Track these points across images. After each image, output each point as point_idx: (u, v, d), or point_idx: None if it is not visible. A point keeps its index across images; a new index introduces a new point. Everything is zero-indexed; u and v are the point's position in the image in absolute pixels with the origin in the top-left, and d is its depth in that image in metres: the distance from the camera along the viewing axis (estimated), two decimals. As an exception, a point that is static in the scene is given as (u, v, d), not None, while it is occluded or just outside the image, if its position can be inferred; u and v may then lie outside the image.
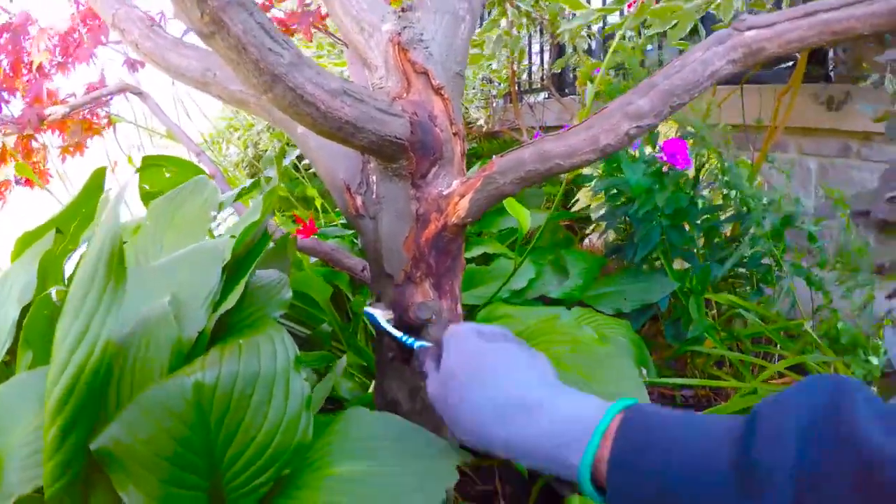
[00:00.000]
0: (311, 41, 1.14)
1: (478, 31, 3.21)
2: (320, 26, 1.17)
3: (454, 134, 0.90)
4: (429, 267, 0.91)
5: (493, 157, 0.85)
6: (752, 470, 0.43)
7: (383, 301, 0.97)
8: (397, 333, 0.85)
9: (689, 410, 0.55)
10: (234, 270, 0.92)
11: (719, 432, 0.48)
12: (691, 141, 1.84)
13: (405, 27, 0.90)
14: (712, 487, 0.45)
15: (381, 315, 0.84)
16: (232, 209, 1.54)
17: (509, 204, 1.44)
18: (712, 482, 0.45)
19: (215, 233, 1.57)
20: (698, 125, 1.82)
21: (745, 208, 1.78)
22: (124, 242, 1.29)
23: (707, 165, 1.93)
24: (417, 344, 0.81)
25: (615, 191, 1.85)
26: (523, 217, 1.40)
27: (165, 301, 0.84)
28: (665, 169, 1.74)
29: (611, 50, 1.75)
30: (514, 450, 0.60)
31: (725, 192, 1.82)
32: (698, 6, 2.03)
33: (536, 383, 0.64)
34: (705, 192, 1.91)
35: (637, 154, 1.78)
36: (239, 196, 1.22)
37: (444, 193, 0.87)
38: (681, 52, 2.60)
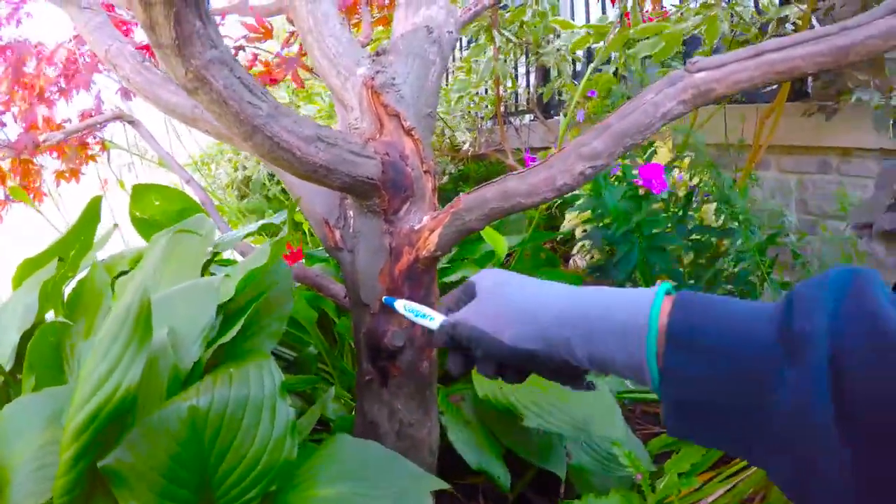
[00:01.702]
0: (304, 86, 1.19)
1: (465, 54, 3.28)
2: (306, 71, 1.22)
3: (425, 171, 0.95)
4: (402, 297, 0.95)
5: (461, 193, 0.90)
6: (793, 337, 0.49)
7: (361, 327, 1.02)
8: (416, 317, 0.87)
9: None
10: (235, 310, 0.99)
11: (761, 311, 0.54)
12: (685, 161, 1.89)
13: (378, 71, 0.96)
14: (762, 354, 0.51)
15: (400, 303, 0.88)
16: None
17: (486, 231, 1.49)
18: (761, 350, 0.51)
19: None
20: (695, 144, 1.87)
21: (735, 223, 1.83)
22: (125, 273, 1.35)
23: (700, 184, 1.98)
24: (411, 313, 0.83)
25: (598, 211, 1.90)
26: (499, 243, 1.46)
27: (164, 333, 0.90)
28: (642, 192, 1.79)
29: (584, 77, 1.81)
30: (572, 324, 0.62)
31: (717, 207, 1.87)
32: (684, 28, 2.09)
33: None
34: (696, 210, 1.96)
35: (620, 174, 1.83)
36: (245, 237, 1.27)
37: (416, 228, 0.93)
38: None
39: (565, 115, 1.70)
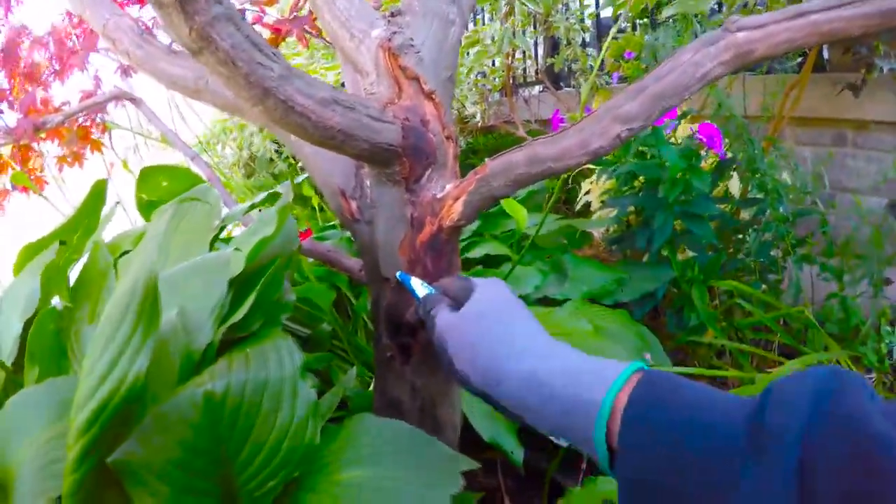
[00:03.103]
0: (307, 47, 1.13)
1: (473, 28, 3.21)
2: (313, 31, 1.17)
3: (446, 137, 0.90)
4: (425, 269, 0.91)
5: (486, 159, 0.85)
6: (763, 432, 0.45)
7: (381, 302, 0.98)
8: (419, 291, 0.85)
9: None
10: (244, 285, 0.94)
11: (734, 400, 0.50)
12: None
13: (395, 32, 0.90)
14: (724, 445, 0.47)
15: (415, 280, 0.85)
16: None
17: (507, 204, 1.45)
18: (726, 440, 0.47)
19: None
20: (729, 110, 1.81)
21: (762, 194, 1.77)
22: (127, 252, 1.30)
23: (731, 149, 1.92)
24: (424, 290, 0.83)
25: (626, 177, 1.84)
26: (521, 217, 1.41)
27: (173, 314, 0.86)
28: (703, 153, 1.73)
29: (609, 37, 1.74)
30: (526, 385, 0.61)
31: (744, 176, 1.81)
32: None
33: (554, 341, 0.67)
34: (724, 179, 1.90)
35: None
36: (250, 209, 1.22)
37: (438, 197, 0.88)
38: (674, 48, 2.60)
39: (582, 85, 1.63)
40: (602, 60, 2.87)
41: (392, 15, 0.95)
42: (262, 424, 0.79)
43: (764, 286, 1.84)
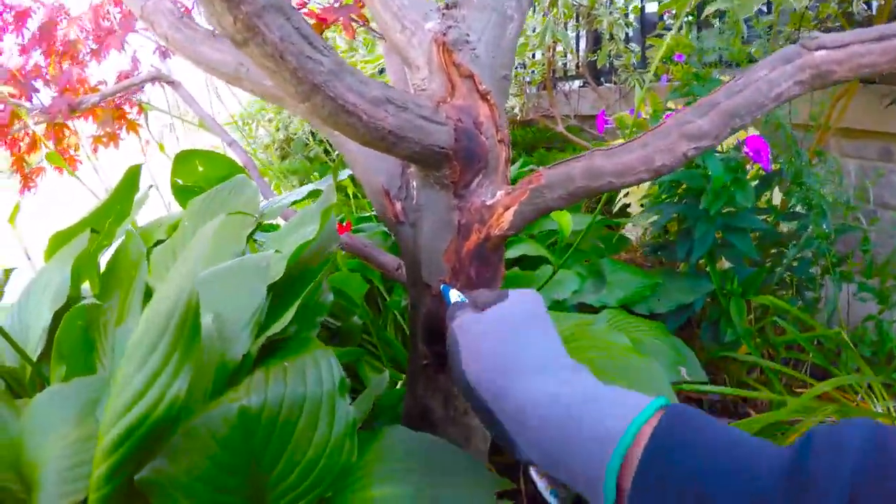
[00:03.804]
0: (353, 37, 1.09)
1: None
2: (359, 20, 1.12)
3: (499, 141, 0.85)
4: (468, 278, 0.86)
5: (541, 168, 0.80)
6: (804, 479, 0.41)
7: (420, 308, 0.94)
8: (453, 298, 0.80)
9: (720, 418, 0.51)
10: (283, 289, 0.90)
11: (767, 444, 0.46)
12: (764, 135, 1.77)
13: (450, 26, 0.85)
14: (763, 494, 0.43)
15: (454, 292, 0.80)
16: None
17: (552, 209, 1.41)
18: (757, 489, 0.43)
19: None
20: (779, 122, 1.75)
21: (806, 208, 1.71)
22: (161, 242, 1.27)
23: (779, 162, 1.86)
24: (456, 297, 0.78)
25: (669, 184, 1.79)
26: (565, 222, 1.36)
27: (209, 320, 0.82)
28: (749, 167, 1.68)
29: (668, 38, 1.67)
30: (535, 404, 0.56)
31: (788, 189, 1.75)
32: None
33: (576, 363, 0.62)
34: (767, 188, 1.84)
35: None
36: (291, 205, 1.18)
37: (488, 204, 0.83)
38: (719, 50, 2.53)
39: (623, 82, 1.57)
40: (644, 57, 2.81)
41: (448, 7, 0.90)
42: (297, 442, 0.75)
43: (800, 303, 1.78)
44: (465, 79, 0.83)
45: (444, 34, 0.84)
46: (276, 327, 0.83)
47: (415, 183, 0.90)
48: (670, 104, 1.89)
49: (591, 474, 0.50)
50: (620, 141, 1.05)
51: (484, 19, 0.88)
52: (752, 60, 2.18)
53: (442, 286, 0.84)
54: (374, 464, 0.80)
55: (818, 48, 0.72)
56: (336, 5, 1.11)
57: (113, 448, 0.67)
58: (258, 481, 0.73)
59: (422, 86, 0.87)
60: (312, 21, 1.09)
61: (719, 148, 1.78)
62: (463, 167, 0.81)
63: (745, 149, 1.58)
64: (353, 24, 1.09)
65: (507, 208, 0.82)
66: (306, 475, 0.74)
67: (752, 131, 1.85)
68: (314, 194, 1.08)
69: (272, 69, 0.63)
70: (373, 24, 1.03)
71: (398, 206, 0.91)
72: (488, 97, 0.84)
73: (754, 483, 0.43)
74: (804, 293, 1.80)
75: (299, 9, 1.15)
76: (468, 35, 0.85)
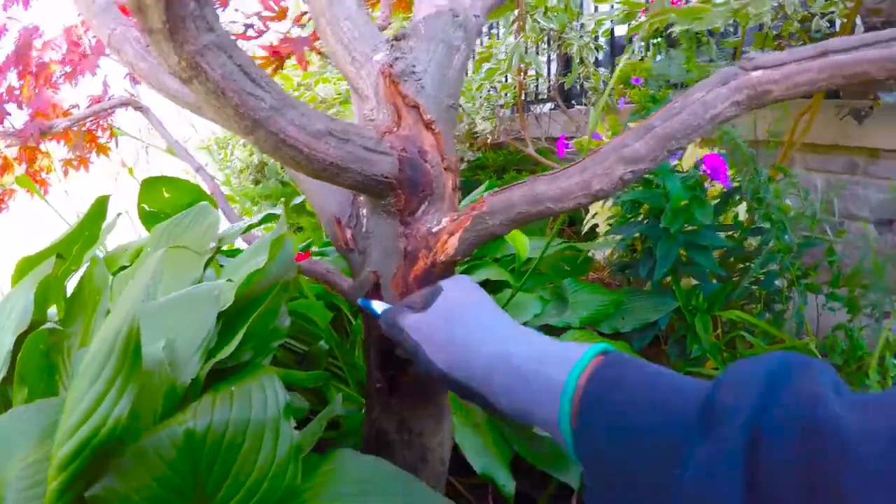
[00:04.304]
0: (306, 70, 1.12)
1: (486, 41, 3.20)
2: (315, 50, 1.14)
3: (445, 169, 0.87)
4: (418, 304, 0.88)
5: (485, 194, 0.83)
6: (713, 410, 0.45)
7: (372, 333, 0.95)
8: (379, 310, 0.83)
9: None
10: (234, 317, 0.92)
11: (692, 382, 0.50)
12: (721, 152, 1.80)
13: (397, 58, 0.88)
14: (673, 422, 0.47)
15: (376, 303, 0.83)
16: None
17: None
18: (674, 418, 0.47)
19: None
20: (731, 138, 1.78)
21: (767, 223, 1.75)
22: (125, 268, 1.29)
23: (738, 179, 1.90)
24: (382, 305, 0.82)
25: (630, 204, 1.82)
26: (521, 244, 1.38)
27: (160, 347, 0.84)
28: (707, 184, 1.71)
29: (623, 60, 1.72)
30: (498, 368, 0.62)
31: (753, 205, 1.79)
32: (729, 9, 1.99)
33: (523, 328, 0.68)
34: (730, 206, 1.88)
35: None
36: (247, 230, 1.21)
37: (434, 231, 0.85)
38: (687, 71, 2.58)
39: (593, 105, 1.61)
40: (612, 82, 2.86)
41: (396, 39, 0.93)
42: (242, 464, 0.77)
43: (768, 315, 1.82)
44: (411, 109, 0.86)
45: (391, 66, 0.87)
46: (224, 353, 0.85)
47: (364, 211, 0.92)
48: (630, 125, 1.93)
49: (550, 420, 0.56)
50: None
51: (430, 50, 0.91)
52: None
53: (360, 300, 0.87)
54: (323, 487, 0.82)
55: (755, 68, 0.73)
56: (293, 33, 1.14)
57: (65, 464, 0.70)
58: (204, 502, 0.75)
59: (370, 116, 0.90)
60: (268, 53, 1.12)
61: (679, 167, 1.82)
62: (408, 195, 0.84)
63: (703, 167, 1.62)
64: (309, 55, 1.11)
65: (451, 234, 0.84)
66: (250, 497, 0.76)
67: (708, 150, 1.88)
68: (269, 219, 1.10)
69: (216, 105, 0.66)
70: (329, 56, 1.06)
71: (349, 233, 0.93)
72: (433, 127, 0.86)
73: (672, 416, 0.47)
74: (772, 306, 1.83)
75: (259, 35, 1.18)
76: (414, 66, 0.88)
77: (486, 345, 0.65)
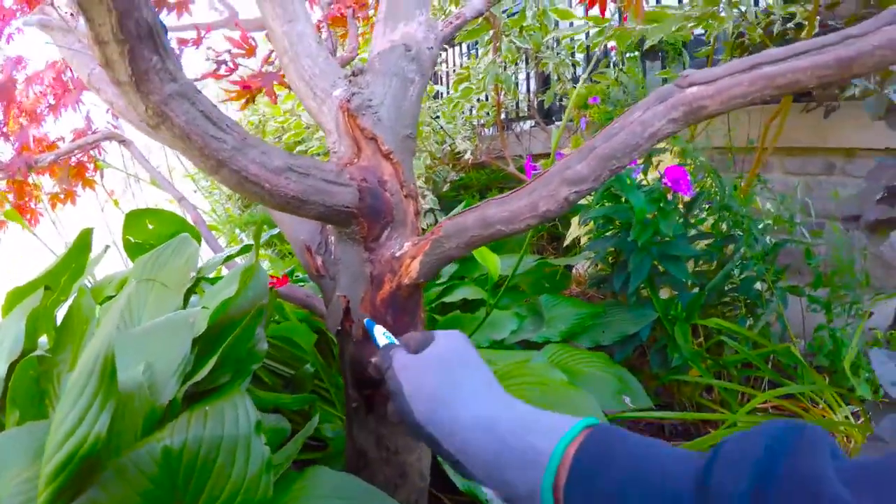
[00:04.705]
0: (275, 103, 1.17)
1: (465, 61, 3.26)
2: (283, 85, 1.19)
3: (405, 196, 0.92)
4: (386, 325, 0.92)
5: (442, 219, 0.87)
6: (709, 490, 0.44)
7: (345, 355, 1.00)
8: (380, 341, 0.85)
9: (675, 440, 0.55)
10: (210, 342, 0.97)
11: (682, 459, 0.50)
12: (690, 166, 1.85)
13: (354, 93, 0.93)
14: (667, 501, 0.47)
15: (378, 329, 0.86)
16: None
17: (478, 251, 1.46)
18: (668, 498, 0.47)
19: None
20: (689, 149, 1.83)
21: (737, 231, 1.79)
22: (111, 297, 1.34)
23: (703, 190, 1.94)
24: (385, 340, 0.83)
25: (603, 219, 1.86)
26: (492, 264, 1.43)
27: (139, 370, 0.89)
28: (669, 196, 1.75)
29: (580, 83, 1.77)
30: (478, 431, 0.62)
31: (719, 214, 1.83)
32: (685, 15, 2.04)
33: (509, 396, 0.67)
34: (698, 221, 1.92)
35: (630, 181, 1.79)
36: (225, 261, 1.26)
37: (397, 255, 0.90)
38: (664, 82, 2.63)
39: (570, 121, 1.66)
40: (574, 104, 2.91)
41: (354, 74, 0.98)
42: (216, 478, 0.82)
43: (751, 320, 1.85)
44: (369, 141, 0.91)
45: (349, 100, 0.92)
46: (199, 375, 0.90)
47: (332, 238, 0.97)
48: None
49: (528, 490, 0.56)
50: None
51: (386, 84, 0.96)
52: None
53: (366, 321, 0.89)
54: (296, 501, 0.87)
55: (690, 85, 0.76)
56: (262, 71, 1.18)
57: (53, 476, 0.75)
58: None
59: (333, 149, 0.95)
60: (239, 88, 1.17)
61: (644, 180, 1.87)
62: (370, 223, 0.88)
63: (664, 179, 1.66)
64: (279, 88, 1.16)
65: (413, 258, 0.88)
66: (225, 508, 0.80)
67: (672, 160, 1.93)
68: (246, 249, 1.15)
69: (182, 147, 0.71)
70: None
71: (319, 260, 0.98)
72: (391, 157, 0.91)
73: (665, 493, 0.47)
74: (754, 310, 1.87)
75: (230, 73, 1.23)
76: (371, 100, 0.93)
77: (470, 408, 0.64)
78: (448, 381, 0.68)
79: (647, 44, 2.25)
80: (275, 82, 1.15)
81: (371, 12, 1.73)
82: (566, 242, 2.62)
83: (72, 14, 1.35)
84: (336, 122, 0.94)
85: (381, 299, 0.91)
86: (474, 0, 1.10)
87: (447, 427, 0.64)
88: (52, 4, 1.37)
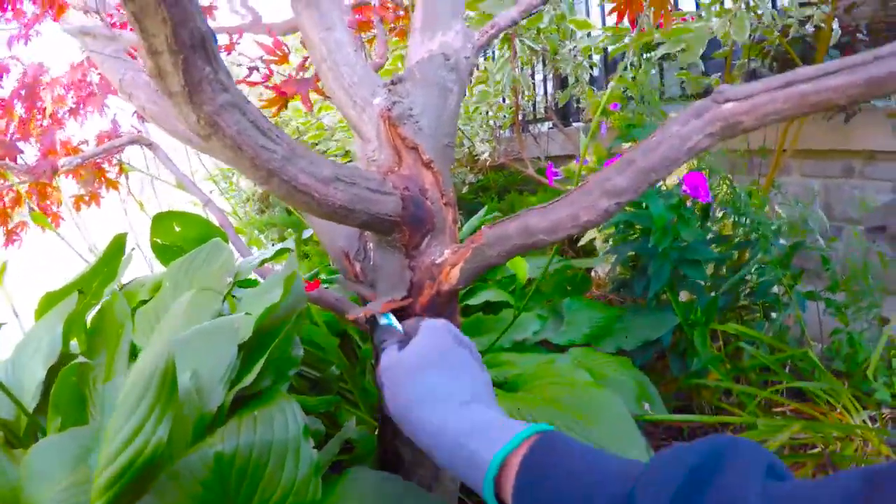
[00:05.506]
0: (311, 111, 1.18)
1: (482, 63, 3.26)
2: (318, 91, 1.21)
3: (445, 204, 0.93)
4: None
5: (483, 227, 0.88)
6: None
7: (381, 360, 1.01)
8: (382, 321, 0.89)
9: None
10: (253, 348, 0.99)
11: (620, 473, 0.52)
12: (705, 170, 1.86)
13: (395, 102, 0.94)
14: None
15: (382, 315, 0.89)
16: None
17: (508, 256, 1.48)
18: None
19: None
20: (707, 164, 1.84)
21: (754, 235, 1.79)
22: (145, 301, 1.36)
23: (718, 194, 1.94)
24: (384, 321, 0.87)
25: (624, 224, 1.88)
26: (521, 268, 1.44)
27: (187, 377, 0.91)
28: (688, 203, 1.76)
29: (607, 91, 1.78)
30: (435, 434, 0.66)
31: (735, 219, 1.84)
32: (706, 28, 2.05)
33: (482, 391, 0.72)
34: (716, 222, 1.93)
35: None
36: (261, 264, 1.28)
37: (437, 262, 0.91)
38: (682, 84, 2.63)
39: (586, 122, 1.67)
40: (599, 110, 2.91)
41: (393, 83, 0.99)
42: (267, 482, 0.84)
43: (767, 324, 1.86)
44: (410, 150, 0.92)
45: (390, 109, 0.93)
46: (246, 381, 0.92)
47: (371, 245, 0.98)
48: (615, 149, 1.99)
49: (480, 492, 0.60)
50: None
51: (426, 93, 0.97)
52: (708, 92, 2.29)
53: (384, 315, 0.91)
54: (343, 500, 0.88)
55: (726, 101, 0.77)
56: (297, 76, 1.20)
57: (108, 486, 0.77)
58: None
59: (372, 156, 0.96)
60: (274, 94, 1.18)
61: (664, 185, 1.87)
62: (412, 231, 0.90)
63: (684, 186, 1.67)
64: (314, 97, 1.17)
65: (453, 266, 0.90)
66: (276, 512, 0.82)
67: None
68: (282, 253, 1.17)
69: (233, 158, 0.72)
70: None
71: (357, 266, 0.99)
72: (432, 166, 0.92)
73: None
74: (770, 315, 1.87)
75: (265, 80, 1.24)
76: (411, 109, 0.94)
77: (430, 410, 0.69)
78: (417, 384, 0.72)
79: (663, 50, 2.26)
80: (310, 89, 1.16)
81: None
82: (581, 242, 2.63)
83: (107, 20, 1.36)
84: (377, 131, 0.95)
85: (421, 305, 0.93)
86: (510, 10, 1.11)
87: (415, 428, 0.69)
88: (86, 12, 1.39)
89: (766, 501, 0.41)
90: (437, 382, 0.72)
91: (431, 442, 0.67)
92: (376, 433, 1.16)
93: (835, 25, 2.01)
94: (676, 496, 0.44)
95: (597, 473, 0.53)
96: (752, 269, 1.82)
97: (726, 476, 0.44)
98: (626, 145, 1.95)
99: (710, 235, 1.88)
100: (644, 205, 1.78)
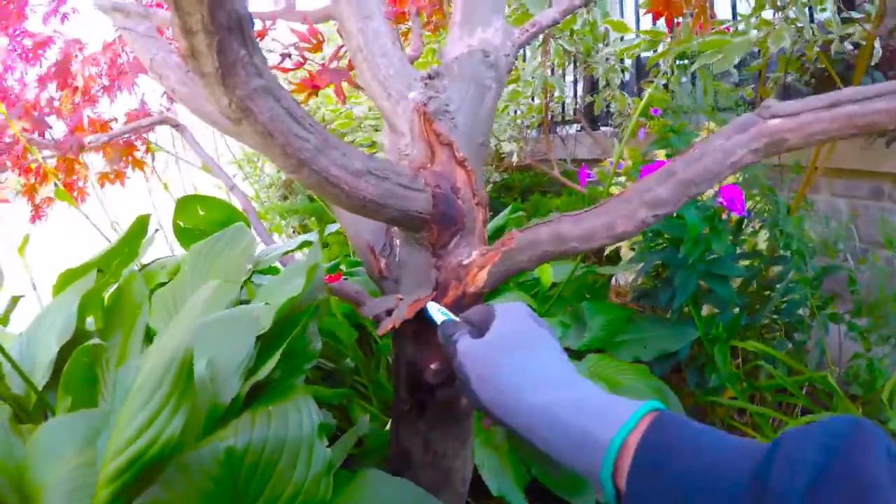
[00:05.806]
0: (345, 102, 1.16)
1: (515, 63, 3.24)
2: (351, 83, 1.19)
3: (476, 204, 0.91)
4: (447, 332, 0.92)
5: (514, 231, 0.86)
6: (766, 490, 0.45)
7: (402, 358, 0.99)
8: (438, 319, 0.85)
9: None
10: (271, 339, 0.97)
11: (745, 450, 0.50)
12: (741, 183, 1.82)
13: (431, 97, 0.92)
14: (726, 496, 0.47)
15: (433, 306, 0.85)
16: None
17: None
18: (729, 496, 0.47)
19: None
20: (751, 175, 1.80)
21: (788, 252, 1.76)
22: (163, 284, 1.35)
23: (754, 208, 1.91)
24: (442, 316, 0.83)
25: (652, 233, 1.85)
26: (546, 273, 1.42)
27: (203, 365, 0.89)
28: (723, 215, 1.73)
29: (645, 96, 1.75)
30: (540, 417, 0.62)
31: (771, 235, 1.80)
32: (747, 40, 2.01)
33: (572, 370, 0.68)
34: (748, 237, 1.89)
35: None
36: (284, 255, 1.26)
37: (464, 263, 0.89)
38: (716, 93, 2.59)
39: (617, 127, 1.64)
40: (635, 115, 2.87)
41: (430, 77, 0.97)
42: (278, 480, 0.82)
43: (789, 345, 1.83)
44: (444, 146, 0.90)
45: (426, 104, 0.91)
46: (262, 373, 0.90)
47: (397, 241, 0.96)
48: (651, 155, 1.96)
49: (592, 476, 0.57)
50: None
51: (463, 90, 0.95)
52: (746, 103, 2.25)
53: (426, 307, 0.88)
54: (350, 503, 0.86)
55: (772, 116, 0.75)
56: (330, 66, 1.18)
57: (116, 475, 0.75)
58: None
59: (405, 151, 0.94)
60: (305, 84, 1.16)
61: (700, 197, 1.84)
62: (440, 229, 0.88)
63: (720, 198, 1.64)
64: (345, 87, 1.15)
65: (481, 268, 0.87)
66: (286, 510, 0.80)
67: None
68: (305, 244, 1.15)
69: (263, 145, 0.70)
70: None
71: (382, 262, 0.97)
72: (465, 164, 0.90)
73: (725, 487, 0.48)
74: (792, 335, 1.84)
75: (297, 67, 1.22)
76: (448, 105, 0.92)
77: (531, 392, 0.65)
78: (507, 365, 0.69)
79: (701, 61, 2.22)
80: (344, 80, 1.14)
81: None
82: (607, 250, 2.60)
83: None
84: (411, 125, 0.93)
85: (445, 305, 0.90)
86: (551, 10, 1.09)
87: (510, 415, 0.65)
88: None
89: (893, 473, 0.41)
90: (533, 357, 0.69)
91: (532, 422, 0.63)
92: (388, 428, 1.14)
93: (876, 44, 1.97)
94: (812, 467, 0.44)
95: (722, 450, 0.51)
96: (781, 288, 1.79)
97: (856, 451, 0.43)
98: (660, 152, 1.92)
99: (739, 250, 1.84)
100: (675, 214, 1.75)
